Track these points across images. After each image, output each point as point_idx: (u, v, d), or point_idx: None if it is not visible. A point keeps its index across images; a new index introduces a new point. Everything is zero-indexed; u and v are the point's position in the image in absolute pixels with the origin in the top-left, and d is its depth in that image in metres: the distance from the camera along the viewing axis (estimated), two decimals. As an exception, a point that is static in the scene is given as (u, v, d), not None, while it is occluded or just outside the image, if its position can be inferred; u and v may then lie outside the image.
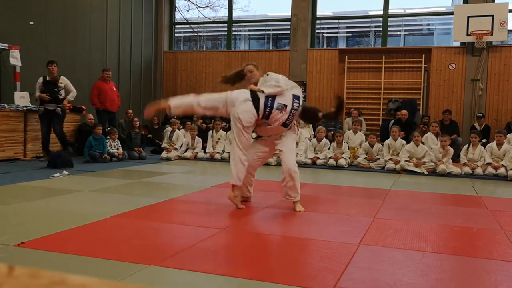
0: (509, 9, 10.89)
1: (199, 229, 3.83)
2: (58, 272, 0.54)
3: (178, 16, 14.47)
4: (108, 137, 9.02)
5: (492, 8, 10.91)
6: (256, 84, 4.75)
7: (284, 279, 2.74)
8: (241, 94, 4.66)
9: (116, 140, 9.18)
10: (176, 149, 9.66)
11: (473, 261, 3.23)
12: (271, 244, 3.47)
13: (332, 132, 10.24)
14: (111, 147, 8.98)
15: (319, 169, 8.66)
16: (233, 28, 14.35)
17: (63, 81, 8.79)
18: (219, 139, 9.75)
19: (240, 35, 16.97)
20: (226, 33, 14.03)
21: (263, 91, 4.58)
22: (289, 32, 12.97)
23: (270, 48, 18.12)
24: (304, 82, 12.51)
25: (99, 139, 8.73)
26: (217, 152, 9.59)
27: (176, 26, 14.63)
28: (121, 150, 9.11)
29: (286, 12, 12.91)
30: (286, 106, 4.55)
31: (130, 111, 11.19)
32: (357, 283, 2.73)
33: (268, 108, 4.53)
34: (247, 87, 4.78)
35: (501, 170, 7.84)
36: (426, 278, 2.85)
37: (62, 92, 8.71)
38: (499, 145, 8.16)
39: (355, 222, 4.26)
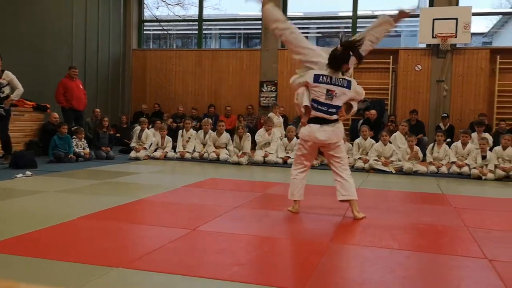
0: (472, 13, 11.20)
1: (168, 229, 3.78)
2: (9, 281, 0.50)
3: (147, 14, 14.26)
4: (74, 136, 8.80)
5: (456, 11, 11.20)
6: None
7: (254, 279, 2.73)
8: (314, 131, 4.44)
9: (83, 139, 8.97)
10: (145, 148, 9.52)
11: (438, 258, 3.30)
12: (241, 244, 3.45)
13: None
14: (77, 147, 8.77)
15: (290, 168, 8.68)
16: (204, 27, 14.26)
17: (7, 76, 7.60)
18: (189, 138, 9.66)
19: (211, 33, 16.87)
20: (196, 32, 13.92)
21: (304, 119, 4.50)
22: (260, 31, 12.98)
23: (241, 47, 18.08)
24: (276, 82, 12.55)
25: (65, 139, 8.52)
26: (188, 152, 9.51)
27: (145, 23, 14.42)
28: (87, 150, 8.91)
29: (257, 12, 12.91)
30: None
31: (98, 110, 10.97)
32: (327, 282, 2.74)
33: (326, 108, 4.36)
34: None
35: (465, 169, 8.07)
36: (393, 275, 2.89)
37: (6, 89, 7.61)
38: (464, 144, 8.39)
39: (324, 221, 4.29)
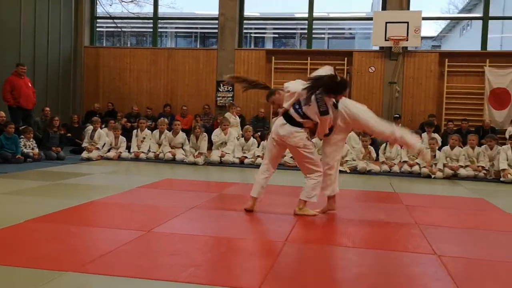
0: (423, 17, 11.60)
1: (121, 232, 3.69)
2: None
3: (100, 10, 13.88)
4: (22, 136, 8.44)
5: (407, 15, 11.57)
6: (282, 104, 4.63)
7: (210, 280, 2.70)
8: (278, 126, 4.54)
9: (31, 139, 8.62)
10: (98, 148, 9.26)
11: (391, 255, 3.38)
12: (197, 245, 3.41)
13: (259, 133, 10.35)
14: (26, 147, 8.40)
15: (247, 168, 8.70)
16: (159, 25, 14.04)
17: None
18: (144, 138, 9.48)
19: (166, 32, 16.65)
20: (151, 30, 13.69)
21: (284, 107, 4.52)
22: (216, 31, 12.92)
23: (198, 46, 17.96)
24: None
25: (12, 138, 8.15)
26: (142, 152, 9.33)
27: (98, 20, 14.03)
28: (36, 150, 8.56)
29: (214, 11, 12.85)
30: (307, 99, 4.38)
31: (47, 109, 10.55)
32: (283, 280, 2.76)
33: (301, 111, 4.42)
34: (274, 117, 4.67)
35: (416, 168, 8.34)
36: (348, 272, 2.94)
37: None
38: (414, 144, 8.66)
39: (281, 220, 4.31)
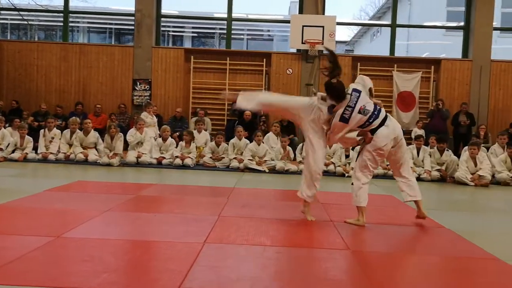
0: (337, 22, 12.09)
1: (28, 238, 3.42)
2: None
3: (4, 1, 12.86)
4: None
5: (323, 20, 11.99)
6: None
7: (125, 285, 2.60)
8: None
9: None
10: (1, 149, 8.58)
11: (307, 252, 3.47)
12: (111, 249, 3.26)
13: (178, 133, 10.16)
14: None
15: (165, 169, 8.53)
16: (70, 19, 13.30)
17: None
18: (53, 138, 8.93)
19: (78, 27, 15.85)
20: (62, 24, 12.94)
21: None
22: (133, 27, 12.51)
23: (113, 42, 17.29)
24: (149, 80, 12.21)
25: None
26: (51, 153, 8.78)
27: (2, 12, 13.01)
28: None
29: (130, 6, 12.44)
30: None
31: None
32: (202, 281, 2.71)
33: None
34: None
35: (331, 167, 8.66)
36: (266, 271, 2.96)
37: None
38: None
39: (200, 221, 4.25)
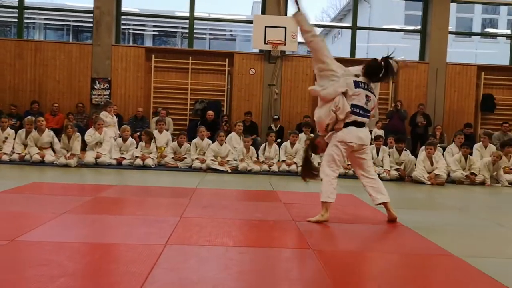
0: (299, 23, 12.21)
1: (-22, 243, 3.26)
2: None
3: (-46, -6, 12.31)
4: None
5: (285, 20, 12.07)
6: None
7: (83, 290, 2.51)
8: None
9: None
10: (-49, 150, 8.18)
11: (270, 252, 3.47)
12: (68, 252, 3.15)
13: (138, 133, 9.99)
14: None
15: (125, 170, 8.36)
16: (26, 15, 12.84)
17: None
18: (6, 138, 8.59)
19: (34, 23, 15.31)
20: (16, 20, 12.47)
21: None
22: (91, 25, 12.20)
23: (70, 40, 16.82)
24: (109, 79, 11.94)
25: None
26: (5, 153, 8.45)
27: (-48, 5, 12.42)
28: None
29: (88, 3, 12.13)
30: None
31: None
32: (163, 284, 2.66)
33: None
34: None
35: (293, 167, 8.73)
36: (229, 272, 2.94)
37: None
38: (292, 144, 9.08)
39: (161, 222, 4.18)
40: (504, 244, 4.12)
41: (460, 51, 18.45)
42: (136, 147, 8.90)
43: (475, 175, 8.48)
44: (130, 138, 9.09)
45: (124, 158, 8.74)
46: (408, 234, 4.20)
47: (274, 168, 8.84)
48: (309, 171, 4.72)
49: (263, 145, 9.30)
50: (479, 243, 4.11)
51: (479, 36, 23.35)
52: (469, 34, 22.58)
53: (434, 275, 3.14)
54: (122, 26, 13.06)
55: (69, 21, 16.21)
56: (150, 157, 8.68)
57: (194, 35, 12.90)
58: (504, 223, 4.92)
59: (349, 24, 13.32)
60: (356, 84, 4.43)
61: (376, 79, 4.55)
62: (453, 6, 13.25)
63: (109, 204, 5.13)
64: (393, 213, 4.53)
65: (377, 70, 4.50)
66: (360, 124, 4.43)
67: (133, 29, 16.08)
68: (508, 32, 15.15)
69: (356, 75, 4.55)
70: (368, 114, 4.49)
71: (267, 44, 11.87)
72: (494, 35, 23.46)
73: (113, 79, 11.98)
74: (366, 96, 4.42)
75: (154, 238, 3.64)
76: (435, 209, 6.03)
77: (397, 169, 8.66)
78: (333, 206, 5.35)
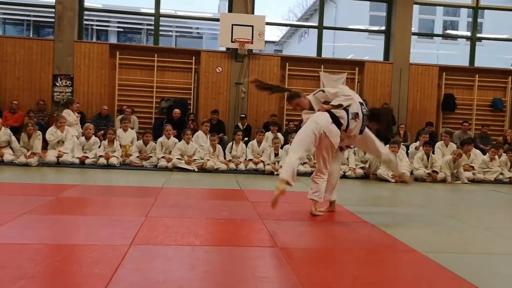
0: (266, 22, 12.24)
1: None
2: None
3: None
4: None
5: (252, 19, 12.08)
6: (306, 108, 4.77)
7: (43, 293, 2.43)
8: (324, 121, 4.53)
9: None
10: None
11: (237, 250, 3.46)
12: (29, 254, 3.05)
13: (102, 132, 9.78)
14: None
15: (89, 169, 8.17)
16: (-16, 9, 12.37)
17: None
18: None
19: (-8, 17, 14.76)
20: (-27, 14, 12.00)
21: (341, 105, 4.54)
22: (53, 20, 11.85)
23: (31, 35, 16.30)
24: (71, 76, 11.64)
25: None
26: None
27: None
28: None
29: (50, -2, 11.80)
30: (357, 114, 4.58)
31: None
32: (127, 285, 2.62)
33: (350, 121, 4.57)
34: (312, 111, 4.69)
35: (260, 165, 8.74)
36: (195, 271, 2.91)
37: None
38: (259, 143, 9.09)
39: (126, 222, 4.11)
40: (464, 240, 4.25)
41: (423, 52, 18.94)
42: (99, 146, 8.71)
43: (437, 172, 8.73)
44: (93, 136, 8.88)
45: (87, 157, 8.54)
46: (373, 231, 4.27)
47: (241, 167, 8.83)
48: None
49: (230, 143, 9.27)
50: (440, 238, 4.22)
51: (440, 38, 24.04)
52: (431, 35, 23.18)
53: (397, 270, 3.20)
54: (85, 22, 12.76)
55: (29, 16, 15.71)
56: (115, 156, 8.52)
57: (160, 32, 12.74)
58: (464, 219, 5.07)
59: (316, 24, 13.45)
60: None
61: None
62: (416, 7, 13.58)
63: (72, 204, 4.99)
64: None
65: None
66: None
67: (97, 25, 15.72)
68: (468, 34, 15.65)
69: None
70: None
71: (234, 42, 11.84)
72: (455, 37, 24.20)
73: (75, 76, 11.68)
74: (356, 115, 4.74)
75: (118, 239, 3.57)
76: (399, 206, 6.17)
77: (362, 167, 8.80)
78: (300, 204, 5.39)
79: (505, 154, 9.44)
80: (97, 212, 4.59)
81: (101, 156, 8.45)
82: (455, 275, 3.02)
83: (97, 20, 15.43)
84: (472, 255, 3.64)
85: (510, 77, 13.24)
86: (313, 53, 13.05)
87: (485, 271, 3.20)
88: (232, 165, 8.80)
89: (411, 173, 8.65)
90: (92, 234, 3.74)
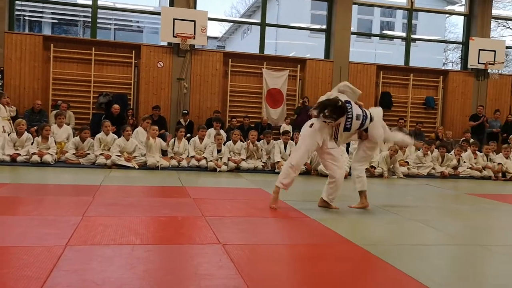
0: (208, 17, 12.14)
1: None
2: None
3: None
4: None
5: (194, 14, 11.93)
6: None
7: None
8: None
9: None
10: None
11: (179, 248, 3.40)
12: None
13: (36, 128, 9.30)
14: None
15: (20, 167, 7.74)
16: None
17: None
18: None
19: None
20: None
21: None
22: (-19, 8, 11.12)
23: (-44, 25, 15.20)
24: (1, 69, 10.98)
25: None
26: None
27: None
28: None
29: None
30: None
31: None
32: (63, 286, 2.49)
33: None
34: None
35: (203, 162, 8.67)
36: (135, 271, 2.83)
37: None
38: (201, 139, 9.00)
39: (62, 222, 3.93)
40: (400, 232, 4.43)
41: (361, 51, 19.55)
42: (32, 143, 8.27)
43: (374, 168, 9.05)
44: (26, 132, 8.43)
45: (19, 154, 8.09)
46: (313, 225, 4.35)
47: (184, 163, 8.71)
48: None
49: (172, 140, 9.12)
50: (378, 231, 4.37)
51: (378, 37, 24.93)
52: (369, 35, 23.97)
53: (337, 264, 3.28)
54: (17, 12, 12.09)
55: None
56: (49, 153, 8.12)
57: (98, 25, 12.29)
58: (399, 212, 5.29)
59: (258, 21, 13.51)
60: (346, 129, 5.08)
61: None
62: (355, 7, 13.98)
63: (1, 204, 4.71)
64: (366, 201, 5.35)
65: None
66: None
67: (30, 16, 14.91)
68: (403, 34, 16.33)
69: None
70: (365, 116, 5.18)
71: (175, 37, 11.65)
72: (391, 37, 25.18)
73: (5, 68, 11.04)
74: (358, 117, 5.08)
75: (53, 239, 3.41)
76: (338, 201, 6.32)
77: (304, 164, 8.94)
78: (242, 200, 5.40)
79: (437, 149, 9.94)
80: (30, 212, 4.35)
81: (34, 153, 8.03)
82: (392, 267, 3.14)
83: (30, 11, 14.64)
84: (408, 246, 3.79)
85: (441, 76, 13.99)
86: (256, 50, 13.11)
87: (420, 262, 3.34)
88: (174, 162, 8.66)
89: (350, 169, 8.90)
90: (24, 235, 3.54)
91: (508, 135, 12.27)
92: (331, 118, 4.89)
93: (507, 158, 9.97)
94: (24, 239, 3.43)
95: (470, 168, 9.80)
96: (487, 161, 9.99)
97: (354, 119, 4.93)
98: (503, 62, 14.11)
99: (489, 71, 13.86)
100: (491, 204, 6.40)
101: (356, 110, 4.98)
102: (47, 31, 15.34)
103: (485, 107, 13.60)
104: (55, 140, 8.54)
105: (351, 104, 4.99)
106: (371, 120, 5.13)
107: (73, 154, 8.44)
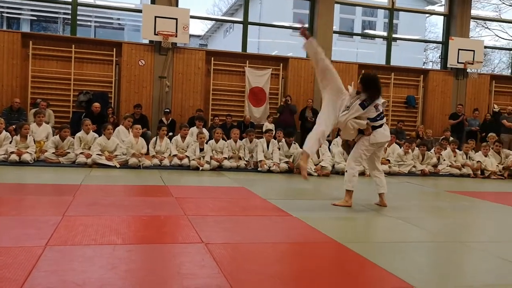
0: (190, 16, 12.06)
1: None
2: None
3: None
4: None
5: (176, 12, 11.85)
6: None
7: None
8: None
9: None
10: None
11: (161, 248, 3.37)
12: None
13: (14, 127, 9.12)
14: None
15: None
16: None
17: None
18: None
19: None
20: None
21: None
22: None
23: None
24: (-22, 66, 10.75)
25: None
26: None
27: None
28: None
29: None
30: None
31: None
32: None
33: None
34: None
35: (185, 161, 8.62)
36: (116, 271, 2.80)
37: None
38: (183, 137, 8.95)
39: (41, 222, 3.86)
40: (381, 229, 4.48)
41: (343, 50, 19.69)
42: (11, 142, 8.12)
43: (356, 166, 9.09)
44: (4, 131, 8.26)
45: (-5, 154, 7.93)
46: (296, 223, 4.36)
47: (166, 162, 8.65)
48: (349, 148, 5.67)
49: (154, 138, 9.04)
50: (359, 229, 4.41)
51: (359, 37, 25.13)
52: (351, 34, 24.16)
53: (319, 261, 3.29)
54: (-6, 8, 11.85)
55: None
56: (28, 152, 7.98)
57: (78, 22, 12.11)
58: (381, 209, 5.33)
59: (241, 19, 13.48)
60: (362, 106, 5.17)
61: (371, 91, 5.23)
62: (337, 7, 14.06)
63: (-22, 204, 4.61)
64: (385, 201, 5.45)
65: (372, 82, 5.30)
66: (382, 125, 5.28)
67: (7, 12, 14.59)
68: (385, 34, 16.49)
69: (357, 93, 5.30)
70: (383, 115, 5.30)
71: (157, 35, 11.55)
72: (373, 36, 25.41)
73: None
74: (375, 107, 5.19)
75: (32, 240, 3.35)
76: (321, 199, 6.36)
77: (286, 162, 8.97)
78: (225, 199, 5.39)
79: (417, 148, 10.06)
80: (8, 212, 4.27)
81: (12, 152, 7.88)
82: (373, 264, 3.16)
83: (8, 7, 14.35)
84: (389, 244, 3.83)
85: (422, 76, 14.16)
86: (238, 48, 13.08)
87: (401, 259, 3.37)
88: (155, 161, 8.59)
89: (333, 167, 8.96)
90: (1, 235, 3.47)
91: (486, 133, 12.48)
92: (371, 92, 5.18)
93: (485, 156, 10.15)
94: (2, 239, 3.37)
95: (450, 166, 9.95)
96: (466, 159, 10.16)
97: (372, 105, 5.16)
98: (481, 62, 14.35)
99: (468, 70, 14.08)
100: (470, 201, 6.51)
101: (379, 103, 5.26)
102: (25, 28, 15.07)
103: (464, 106, 13.82)
104: (34, 139, 8.40)
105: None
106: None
107: (53, 153, 8.31)
